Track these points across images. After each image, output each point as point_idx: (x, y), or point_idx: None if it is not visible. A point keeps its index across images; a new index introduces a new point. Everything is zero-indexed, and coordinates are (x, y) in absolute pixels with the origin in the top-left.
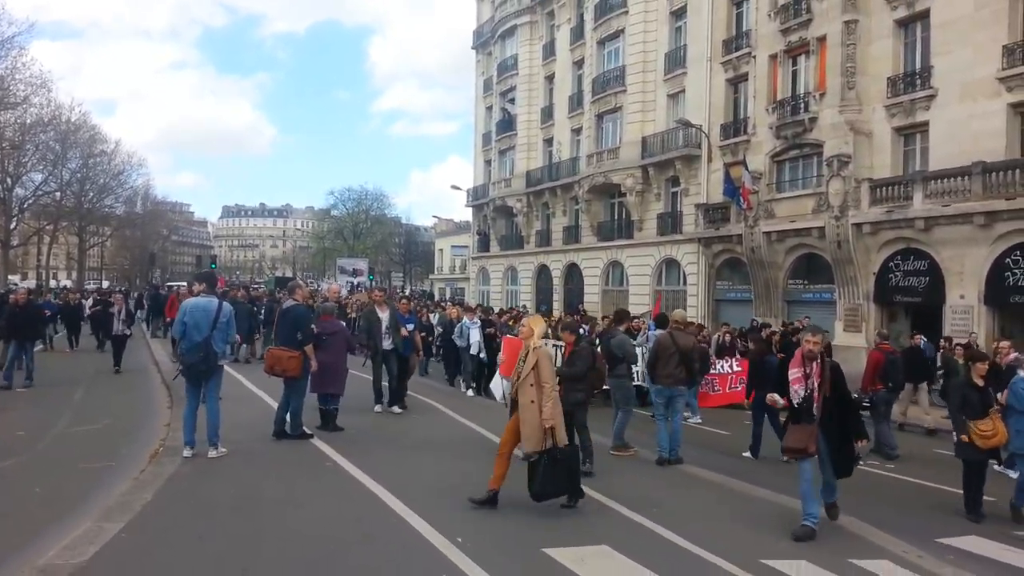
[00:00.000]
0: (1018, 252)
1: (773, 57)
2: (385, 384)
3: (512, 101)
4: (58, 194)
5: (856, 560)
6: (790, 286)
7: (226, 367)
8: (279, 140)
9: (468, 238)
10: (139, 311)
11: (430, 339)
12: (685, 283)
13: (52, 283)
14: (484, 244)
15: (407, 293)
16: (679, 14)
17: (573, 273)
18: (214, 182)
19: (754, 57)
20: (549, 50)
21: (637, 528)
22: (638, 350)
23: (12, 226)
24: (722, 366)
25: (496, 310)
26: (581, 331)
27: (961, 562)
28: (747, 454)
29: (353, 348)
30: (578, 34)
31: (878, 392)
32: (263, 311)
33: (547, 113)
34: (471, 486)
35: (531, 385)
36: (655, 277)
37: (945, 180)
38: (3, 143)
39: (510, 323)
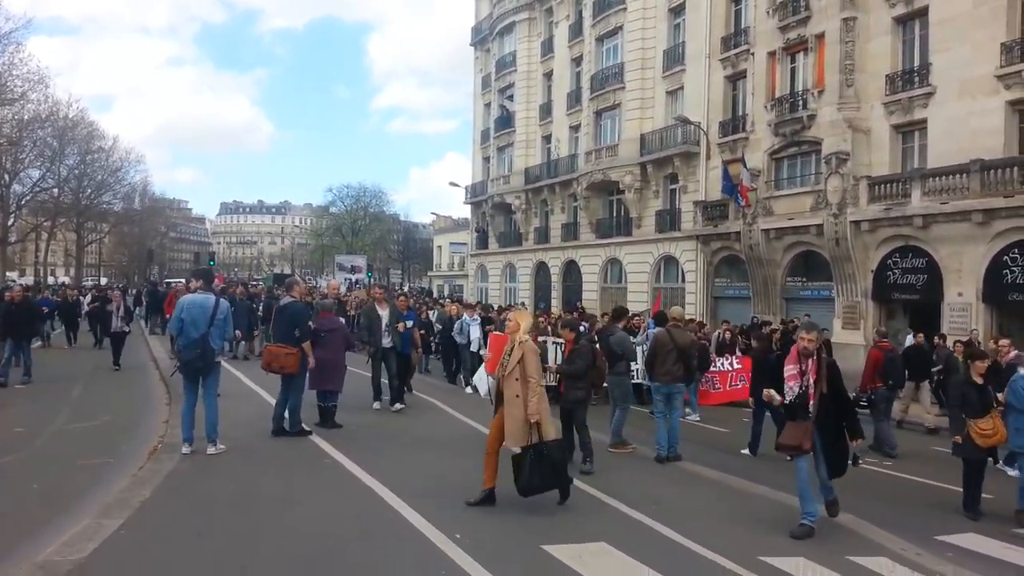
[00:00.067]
0: (1016, 250)
1: (772, 54)
2: (385, 382)
3: (511, 98)
4: (56, 191)
5: (855, 557)
6: (788, 283)
7: (225, 364)
8: (277, 137)
9: (467, 235)
10: (137, 308)
11: (430, 337)
12: (683, 280)
13: (50, 280)
14: (483, 241)
15: (405, 290)
16: (678, 11)
17: (572, 270)
18: (212, 178)
19: (753, 54)
20: (548, 47)
21: (636, 525)
22: (637, 349)
23: (10, 223)
24: (722, 363)
25: (495, 307)
26: (581, 329)
27: (960, 560)
28: (745, 451)
29: (352, 345)
30: (577, 31)
31: (878, 390)
32: (261, 308)
33: (546, 110)
34: (470, 483)
35: (516, 379)
36: (653, 274)
37: (943, 178)
38: (0, 139)
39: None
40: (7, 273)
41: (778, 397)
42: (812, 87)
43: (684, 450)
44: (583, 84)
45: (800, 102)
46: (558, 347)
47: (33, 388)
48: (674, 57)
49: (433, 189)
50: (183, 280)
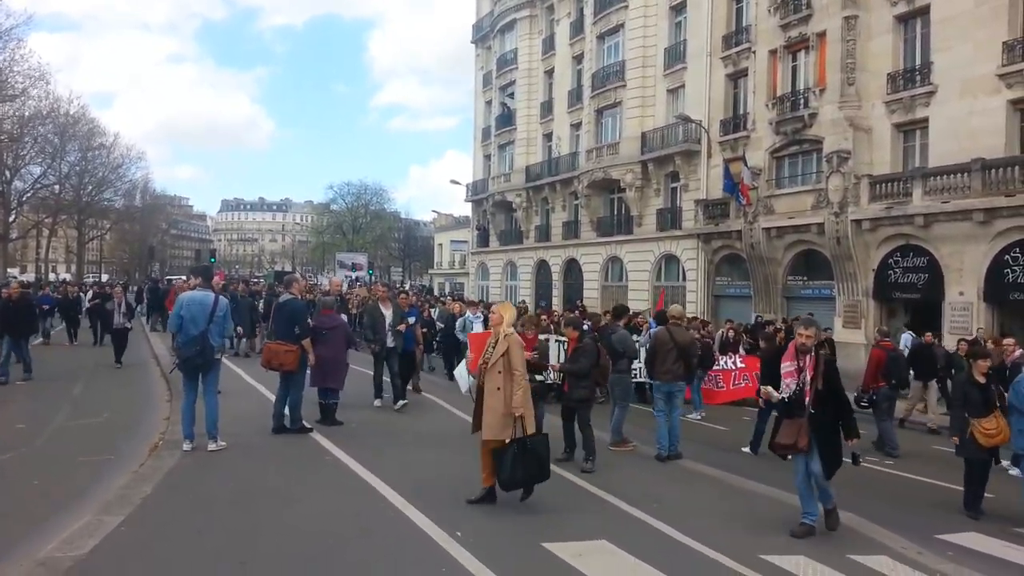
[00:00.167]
0: (1017, 249)
1: (773, 53)
2: (387, 380)
3: (511, 96)
4: (57, 187)
5: (856, 556)
6: (789, 282)
7: (225, 361)
8: (278, 134)
9: (467, 233)
10: (139, 305)
11: (432, 336)
12: (684, 279)
13: (51, 276)
14: (483, 239)
15: (407, 288)
16: (679, 9)
17: (572, 268)
18: (213, 175)
19: (754, 52)
20: (548, 45)
21: (636, 523)
22: (641, 350)
23: (11, 219)
24: (726, 362)
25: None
26: (585, 327)
27: (961, 559)
28: (746, 449)
29: (354, 343)
30: (578, 28)
31: (880, 389)
32: (262, 305)
33: (546, 108)
34: (471, 481)
35: (499, 372)
36: (654, 273)
37: (945, 177)
38: (1, 136)
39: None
40: (8, 270)
41: (776, 394)
42: (813, 85)
43: (685, 448)
44: (584, 82)
45: (801, 100)
46: (560, 345)
47: (34, 385)
48: (675, 55)
49: (434, 187)
50: (184, 277)
